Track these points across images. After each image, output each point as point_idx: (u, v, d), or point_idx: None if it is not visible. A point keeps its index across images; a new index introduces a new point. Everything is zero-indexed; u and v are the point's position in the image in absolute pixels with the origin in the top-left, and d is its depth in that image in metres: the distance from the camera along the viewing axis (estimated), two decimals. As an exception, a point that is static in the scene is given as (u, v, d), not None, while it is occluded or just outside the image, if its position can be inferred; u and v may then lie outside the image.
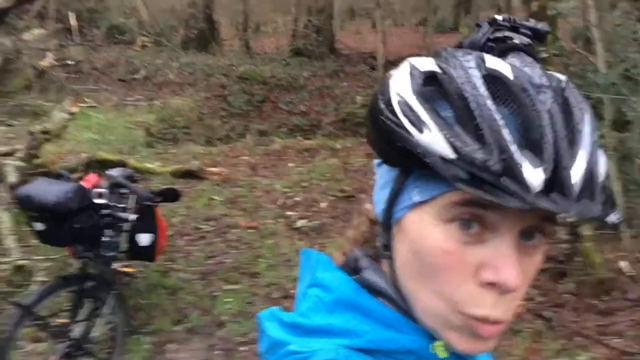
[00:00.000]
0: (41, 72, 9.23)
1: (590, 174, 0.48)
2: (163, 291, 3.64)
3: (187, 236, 4.48)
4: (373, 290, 0.61)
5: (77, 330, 2.65)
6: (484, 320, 0.52)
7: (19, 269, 3.61)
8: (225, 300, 3.56)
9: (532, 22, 0.57)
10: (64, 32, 12.50)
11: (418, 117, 0.49)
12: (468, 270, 0.52)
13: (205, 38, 11.77)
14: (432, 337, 0.57)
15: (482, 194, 0.46)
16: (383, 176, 0.61)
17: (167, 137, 7.33)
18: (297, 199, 5.32)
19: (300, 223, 4.76)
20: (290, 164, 6.37)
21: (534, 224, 0.52)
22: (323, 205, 5.13)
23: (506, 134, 0.46)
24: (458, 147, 0.47)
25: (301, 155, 6.70)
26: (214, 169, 5.77)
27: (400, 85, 0.52)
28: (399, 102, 0.51)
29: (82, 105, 7.84)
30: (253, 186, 5.61)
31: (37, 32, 11.56)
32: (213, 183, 5.58)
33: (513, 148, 0.46)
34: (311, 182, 5.77)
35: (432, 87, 0.51)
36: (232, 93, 8.24)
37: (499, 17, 0.56)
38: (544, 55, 3.33)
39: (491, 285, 0.51)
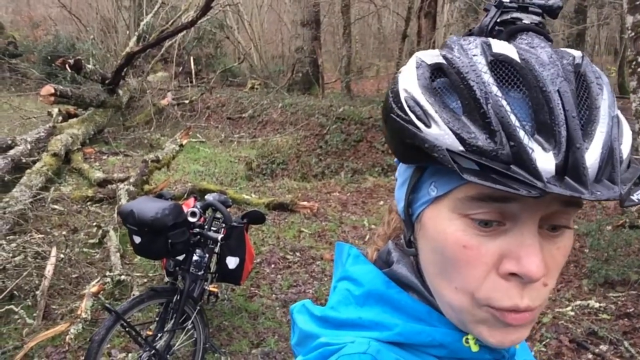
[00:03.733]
0: (160, 109, 10.11)
1: (609, 153, 0.46)
2: (245, 314, 3.74)
3: (274, 265, 4.59)
4: (403, 284, 0.61)
5: (161, 341, 2.81)
6: (513, 310, 0.50)
7: (119, 283, 3.91)
8: (304, 329, 3.58)
9: (543, 1, 0.54)
10: (184, 74, 13.70)
11: (425, 112, 0.49)
12: (489, 263, 0.50)
13: (309, 81, 12.29)
14: (463, 330, 0.56)
15: (492, 184, 0.44)
16: (402, 174, 0.61)
17: (265, 171, 7.65)
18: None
19: (386, 260, 4.69)
20: (381, 202, 6.35)
21: (556, 210, 0.49)
22: (411, 244, 5.03)
23: (514, 120, 0.45)
24: (465, 138, 0.46)
25: (392, 194, 6.64)
26: (305, 203, 5.91)
27: (408, 80, 0.52)
28: (406, 98, 0.51)
29: (191, 139, 8.48)
30: (341, 221, 5.66)
31: (160, 74, 12.79)
32: (303, 216, 5.71)
33: (521, 134, 0.45)
34: (400, 220, 5.69)
35: (439, 79, 0.50)
36: (330, 132, 8.46)
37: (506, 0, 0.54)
38: None
39: (514, 275, 0.49)
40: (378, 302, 0.60)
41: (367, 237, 5.22)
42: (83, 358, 3.07)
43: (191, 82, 13.14)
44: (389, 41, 16.66)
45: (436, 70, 0.51)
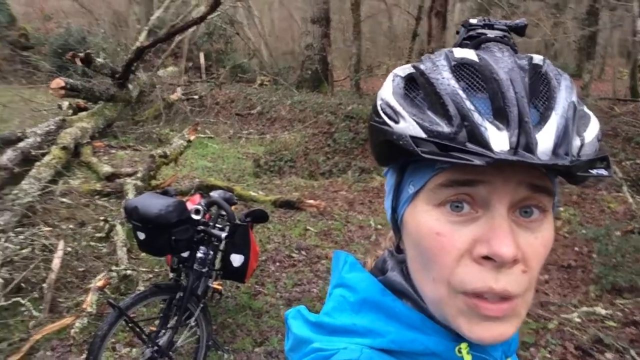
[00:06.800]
0: (170, 104, 10.14)
1: (564, 131, 0.50)
2: (249, 312, 3.75)
3: (279, 263, 4.60)
4: (398, 292, 0.62)
5: (164, 338, 2.81)
6: (488, 293, 0.51)
7: (125, 277, 3.93)
8: (307, 328, 3.57)
9: (509, 21, 0.60)
10: (194, 69, 13.73)
11: (395, 111, 0.55)
12: (462, 248, 0.52)
13: (318, 78, 12.27)
14: (457, 339, 0.57)
15: (448, 159, 0.49)
16: (388, 183, 0.65)
17: (273, 168, 7.65)
18: (389, 235, 5.25)
19: (391, 261, 4.68)
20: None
21: (525, 196, 0.52)
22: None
23: (469, 104, 0.50)
24: (427, 126, 0.51)
25: (400, 194, 6.64)
26: (311, 201, 5.91)
27: (384, 91, 0.58)
28: (381, 105, 0.57)
29: (200, 135, 8.49)
30: (348, 220, 5.65)
31: (170, 69, 12.81)
32: (309, 214, 5.71)
33: (476, 116, 0.49)
34: (407, 221, 5.67)
35: (414, 87, 0.56)
36: (338, 130, 8.45)
37: (474, 20, 0.61)
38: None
39: (487, 259, 0.51)
40: (372, 310, 0.61)
41: (373, 237, 5.21)
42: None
43: (201, 77, 13.17)
44: (399, 40, 16.58)
45: (409, 81, 0.57)
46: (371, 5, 14.89)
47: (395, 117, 0.54)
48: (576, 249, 4.79)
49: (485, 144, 0.48)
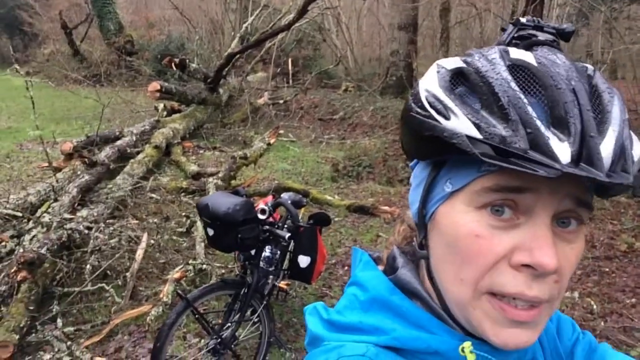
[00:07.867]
0: (256, 108, 10.51)
1: (621, 149, 0.48)
2: (314, 314, 3.79)
3: (347, 267, 4.61)
4: (407, 290, 0.63)
5: (228, 331, 2.93)
6: (518, 298, 0.51)
7: (200, 271, 4.13)
8: (369, 334, 3.56)
9: (557, 23, 0.58)
10: (282, 75, 14.13)
11: (445, 106, 0.52)
12: (500, 253, 0.51)
13: (402, 85, 12.14)
14: (462, 339, 0.57)
15: (510, 165, 0.47)
16: (417, 176, 0.63)
17: (351, 173, 7.69)
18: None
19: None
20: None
21: (568, 209, 0.52)
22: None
23: (531, 110, 0.48)
24: (483, 127, 0.49)
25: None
26: (386, 208, 5.86)
27: (429, 82, 0.55)
28: (426, 96, 0.54)
29: (282, 138, 8.71)
30: (421, 229, 5.55)
31: (259, 74, 13.28)
32: (383, 221, 5.67)
33: (539, 123, 0.47)
34: (483, 233, 5.47)
35: (459, 87, 0.53)
36: (419, 138, 8.32)
37: (523, 19, 0.58)
38: None
39: (526, 267, 0.50)
40: (381, 308, 0.61)
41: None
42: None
43: (288, 82, 13.52)
44: (490, 45, 16.02)
45: (456, 75, 0.54)
46: (462, 10, 14.54)
47: (446, 112, 0.51)
48: (673, 273, 4.38)
49: (551, 155, 0.46)
